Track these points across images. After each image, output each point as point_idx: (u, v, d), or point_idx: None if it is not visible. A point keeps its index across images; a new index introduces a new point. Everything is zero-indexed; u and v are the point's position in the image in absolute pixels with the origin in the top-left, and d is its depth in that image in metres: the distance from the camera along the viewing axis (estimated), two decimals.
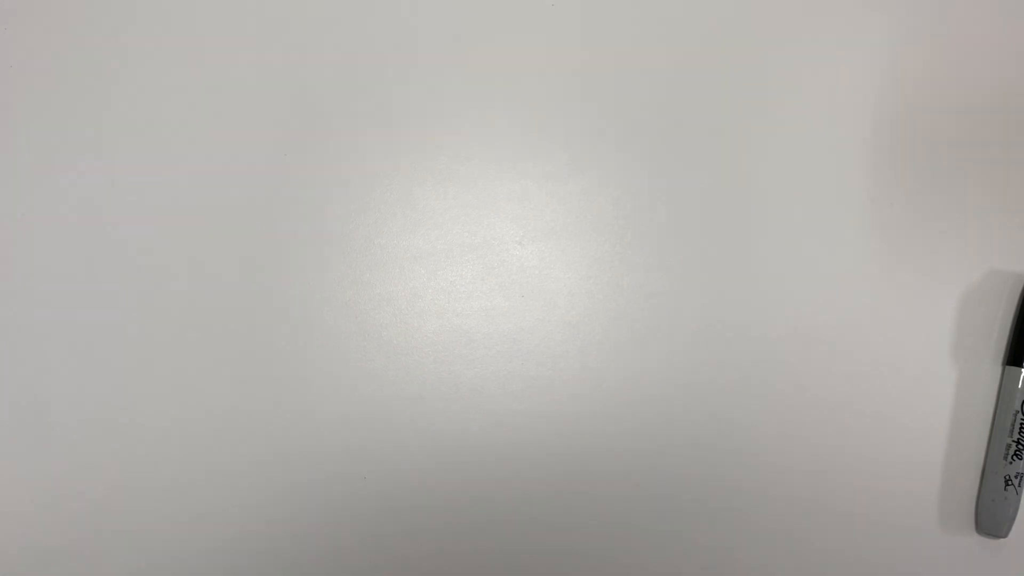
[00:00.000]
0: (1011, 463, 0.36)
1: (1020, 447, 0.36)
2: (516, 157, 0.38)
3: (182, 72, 0.38)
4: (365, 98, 0.38)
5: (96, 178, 0.37)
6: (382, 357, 0.37)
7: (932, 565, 0.37)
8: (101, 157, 0.37)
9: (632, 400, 0.37)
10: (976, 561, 0.37)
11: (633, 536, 0.37)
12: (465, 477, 0.37)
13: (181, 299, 0.37)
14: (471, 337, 0.37)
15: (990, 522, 0.37)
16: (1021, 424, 0.36)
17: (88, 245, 0.37)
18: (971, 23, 0.39)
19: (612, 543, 0.37)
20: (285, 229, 0.37)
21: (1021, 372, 0.37)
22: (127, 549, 0.36)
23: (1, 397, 0.36)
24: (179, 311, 0.37)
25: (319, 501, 0.37)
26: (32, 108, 0.37)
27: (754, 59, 0.38)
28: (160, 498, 0.36)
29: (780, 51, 0.39)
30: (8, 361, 0.37)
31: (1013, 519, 0.37)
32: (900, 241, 0.38)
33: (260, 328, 0.37)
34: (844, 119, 0.38)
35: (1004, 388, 0.37)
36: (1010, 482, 0.36)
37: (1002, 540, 0.37)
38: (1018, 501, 0.37)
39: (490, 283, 0.38)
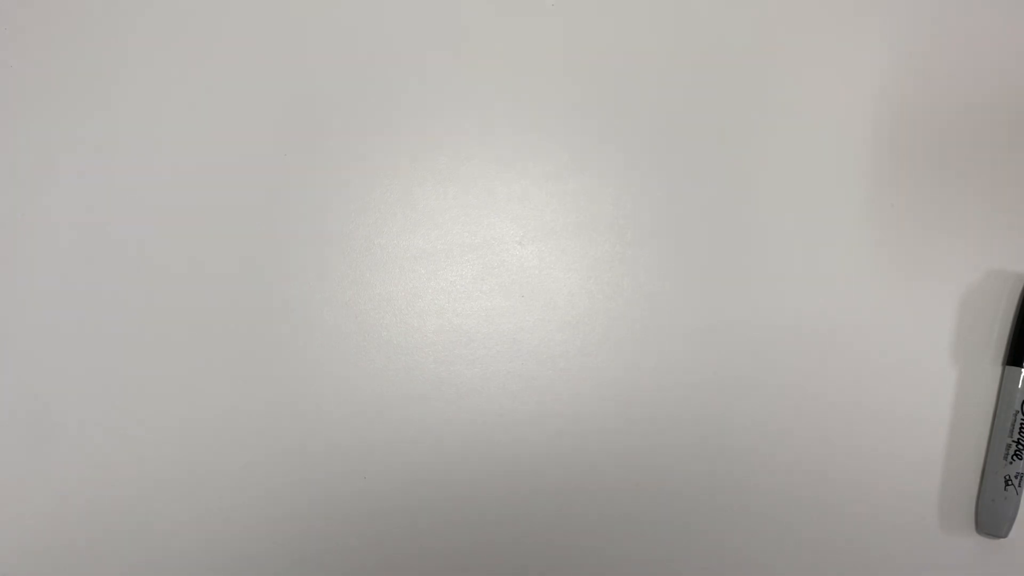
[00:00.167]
0: (1011, 463, 0.36)
1: (1020, 447, 0.36)
2: (516, 157, 0.38)
3: (182, 72, 0.38)
4: (365, 98, 0.38)
5: (96, 178, 0.37)
6: (382, 357, 0.37)
7: (932, 565, 0.37)
8: (101, 157, 0.37)
9: (632, 400, 0.37)
10: (976, 561, 0.37)
11: (633, 536, 0.37)
12: (465, 477, 0.37)
13: (181, 299, 0.37)
14: (471, 337, 0.37)
15: (990, 522, 0.37)
16: (1021, 424, 0.36)
17: (88, 245, 0.37)
18: (971, 23, 0.39)
19: (612, 543, 0.37)
20: (285, 229, 0.37)
21: (1021, 372, 0.37)
22: (127, 549, 0.36)
23: (1, 397, 0.36)
24: (179, 311, 0.37)
25: (319, 501, 0.37)
26: (32, 108, 0.37)
27: (754, 60, 0.38)
28: (160, 497, 0.36)
29: (780, 51, 0.39)
30: (8, 361, 0.37)
31: (1013, 519, 0.37)
32: (900, 241, 0.38)
33: (260, 328, 0.37)
34: (844, 119, 0.38)
35: (1004, 388, 0.37)
36: (1010, 482, 0.36)
37: (1002, 540, 0.37)
38: (1018, 501, 0.37)
39: (490, 283, 0.38)
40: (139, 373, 0.37)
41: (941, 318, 0.38)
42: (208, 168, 0.37)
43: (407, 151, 0.38)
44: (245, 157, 0.37)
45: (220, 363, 0.37)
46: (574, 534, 0.37)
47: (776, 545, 0.37)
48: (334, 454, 0.37)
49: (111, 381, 0.37)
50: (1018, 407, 0.37)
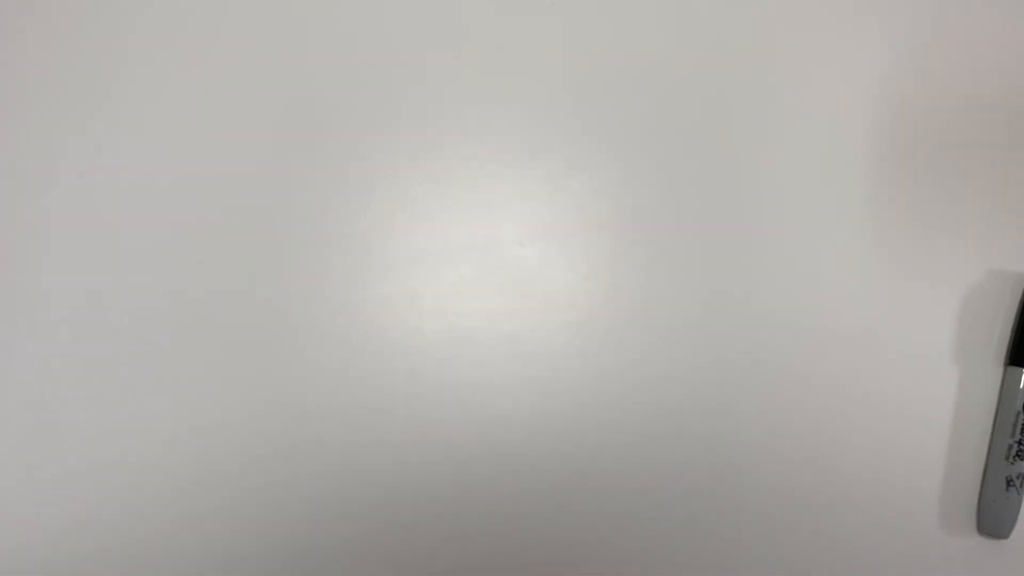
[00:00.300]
0: (1013, 463, 0.36)
1: (1022, 447, 0.36)
2: (516, 157, 0.38)
3: (182, 72, 0.38)
4: (365, 98, 0.38)
5: (97, 178, 0.37)
6: (382, 357, 0.37)
7: (933, 565, 0.37)
8: (101, 157, 0.37)
9: (632, 400, 0.37)
10: (977, 562, 0.37)
11: (634, 535, 0.37)
12: (465, 477, 0.37)
13: (181, 299, 0.37)
14: (471, 337, 0.37)
15: (992, 522, 0.37)
16: (1023, 424, 0.36)
17: (88, 245, 0.37)
18: (971, 23, 0.39)
19: (612, 542, 0.37)
20: (285, 229, 0.37)
21: (1022, 372, 0.37)
22: (127, 548, 0.36)
23: (2, 397, 0.36)
24: (179, 311, 0.37)
25: (320, 500, 0.37)
26: (32, 108, 0.37)
27: (755, 60, 0.38)
28: (160, 497, 0.36)
29: (781, 51, 0.39)
30: (8, 361, 0.37)
31: (1015, 519, 0.37)
32: (901, 241, 0.38)
33: (260, 328, 0.37)
34: (844, 119, 0.38)
35: (1005, 388, 0.37)
36: (1012, 482, 0.36)
37: (1004, 541, 0.37)
38: (1020, 501, 0.37)
39: (490, 283, 0.38)
40: (139, 373, 0.37)
41: (942, 318, 0.38)
42: (208, 168, 0.37)
43: (407, 151, 0.38)
44: (245, 157, 0.37)
45: (220, 363, 0.37)
46: (574, 533, 0.37)
47: (777, 546, 0.37)
48: (334, 454, 0.37)
49: (111, 381, 0.37)
50: (1019, 407, 0.37)
